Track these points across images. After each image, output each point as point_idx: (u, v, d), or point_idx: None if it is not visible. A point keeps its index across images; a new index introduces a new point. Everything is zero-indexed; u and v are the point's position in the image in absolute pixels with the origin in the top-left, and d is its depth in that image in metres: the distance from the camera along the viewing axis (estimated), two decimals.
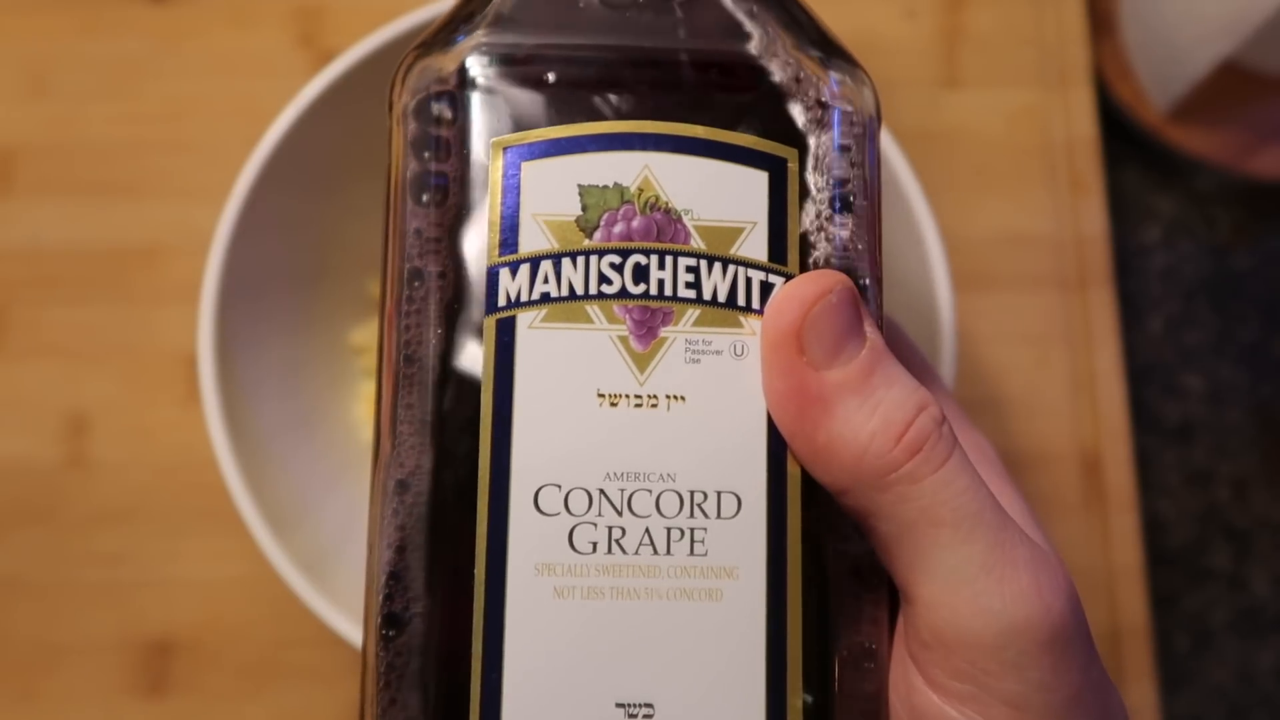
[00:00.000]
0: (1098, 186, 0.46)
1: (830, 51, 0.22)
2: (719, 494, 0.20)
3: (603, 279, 0.20)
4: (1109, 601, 0.42)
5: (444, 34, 0.21)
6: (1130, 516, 0.43)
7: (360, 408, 0.40)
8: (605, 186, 0.20)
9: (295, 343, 0.38)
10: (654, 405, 0.20)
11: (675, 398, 0.20)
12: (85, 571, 0.41)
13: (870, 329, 0.20)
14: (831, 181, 0.21)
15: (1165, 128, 0.47)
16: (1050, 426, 0.44)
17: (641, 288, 0.20)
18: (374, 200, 0.30)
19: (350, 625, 0.32)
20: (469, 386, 0.20)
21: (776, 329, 0.20)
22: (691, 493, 0.20)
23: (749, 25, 0.21)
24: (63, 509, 0.42)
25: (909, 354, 0.25)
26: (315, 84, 0.34)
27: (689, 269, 0.20)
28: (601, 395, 0.20)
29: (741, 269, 0.20)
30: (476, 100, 0.20)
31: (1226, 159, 0.47)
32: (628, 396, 0.20)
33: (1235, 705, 0.44)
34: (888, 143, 0.34)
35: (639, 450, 0.20)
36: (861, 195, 0.21)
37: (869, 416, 0.19)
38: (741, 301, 0.20)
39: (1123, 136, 0.48)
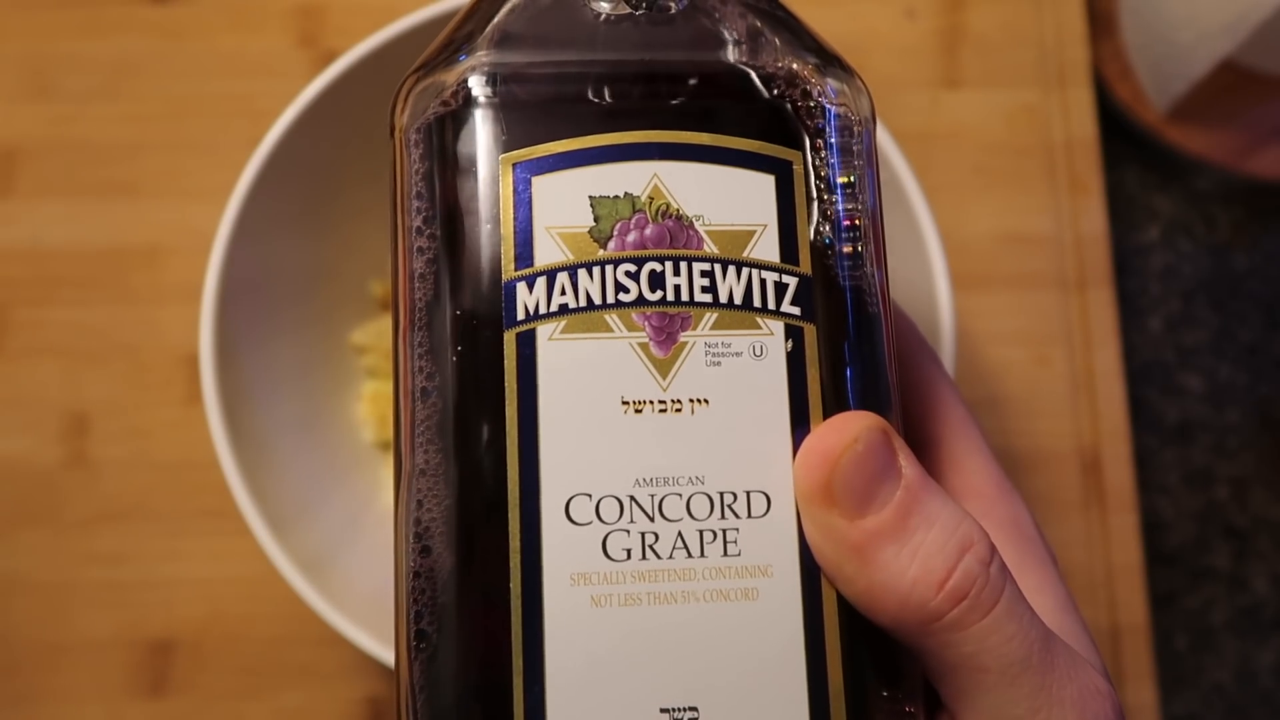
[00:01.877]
0: (1097, 186, 0.46)
1: (826, 59, 0.22)
2: (748, 494, 0.20)
3: (619, 288, 0.20)
4: (1109, 601, 0.42)
5: (445, 54, 0.21)
6: (1130, 516, 0.43)
7: (361, 407, 0.40)
8: (616, 197, 0.20)
9: (296, 342, 0.38)
10: (678, 410, 0.20)
11: (699, 401, 0.20)
12: (85, 571, 0.41)
13: (906, 462, 0.20)
14: (835, 181, 0.21)
15: (1165, 128, 0.47)
16: (1050, 426, 0.44)
17: (658, 294, 0.20)
18: (375, 200, 0.30)
19: (350, 625, 0.32)
20: (492, 402, 0.20)
21: (804, 485, 0.19)
22: (721, 494, 0.20)
23: (747, 36, 0.22)
24: (63, 509, 0.42)
25: (915, 342, 0.24)
26: (315, 84, 0.34)
27: (704, 273, 0.20)
28: (626, 403, 0.20)
29: (755, 271, 0.20)
30: (481, 118, 0.21)
31: (1226, 159, 0.47)
32: (652, 402, 0.20)
33: (1235, 704, 0.44)
34: (887, 143, 0.34)
35: (666, 455, 0.20)
36: (864, 193, 0.21)
37: (909, 563, 0.19)
38: (758, 303, 0.20)
39: (1122, 136, 0.48)
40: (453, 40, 0.22)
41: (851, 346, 0.21)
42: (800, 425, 0.20)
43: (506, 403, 0.20)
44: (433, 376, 0.20)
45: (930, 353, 0.25)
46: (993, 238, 0.45)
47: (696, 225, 0.20)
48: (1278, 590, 0.45)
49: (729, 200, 0.21)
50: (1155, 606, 0.44)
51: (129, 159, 0.45)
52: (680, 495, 0.20)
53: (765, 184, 0.21)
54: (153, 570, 0.41)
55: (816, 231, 0.21)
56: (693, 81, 0.21)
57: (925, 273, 0.34)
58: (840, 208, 0.21)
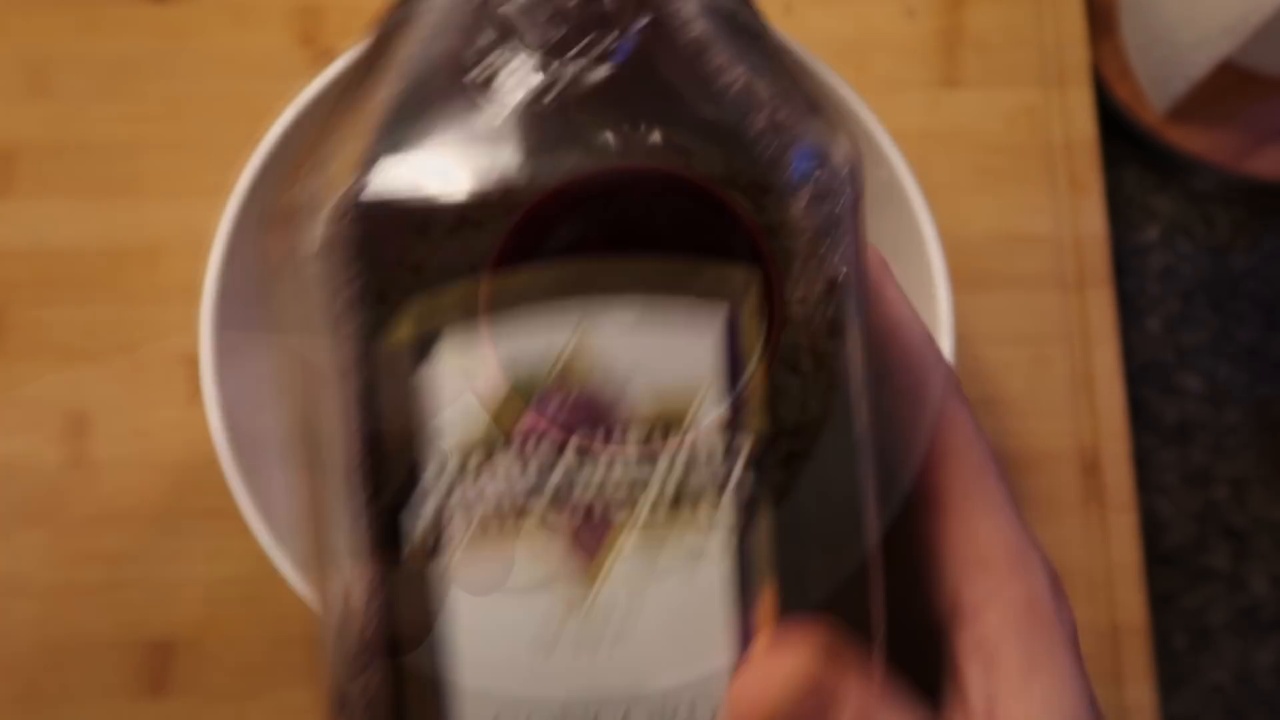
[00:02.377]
0: (1097, 186, 0.46)
1: (796, 131, 0.18)
2: (693, 701, 0.18)
3: (532, 490, 0.17)
4: (1108, 601, 0.42)
5: (314, 165, 0.18)
6: (1129, 516, 0.43)
7: None
8: (532, 363, 0.17)
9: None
10: (608, 622, 0.17)
11: (628, 612, 0.17)
12: (85, 571, 0.41)
13: (854, 685, 0.17)
14: (803, 291, 0.18)
15: (1164, 128, 0.47)
16: (1049, 426, 0.44)
17: (579, 492, 0.17)
18: None
19: None
20: (410, 631, 0.17)
21: None
22: (663, 703, 0.18)
23: (695, 113, 0.18)
24: (63, 509, 0.42)
25: (927, 364, 0.21)
26: (315, 84, 0.34)
27: (632, 464, 0.17)
28: (548, 621, 0.17)
29: (694, 447, 0.17)
30: (355, 255, 0.17)
31: (1225, 159, 0.47)
32: (575, 618, 0.17)
33: (1233, 705, 0.44)
34: (887, 143, 0.34)
35: (598, 673, 0.17)
36: (836, 304, 0.18)
37: None
38: (696, 486, 0.17)
39: (1122, 136, 0.48)
40: (325, 146, 0.18)
41: (809, 510, 0.18)
42: (746, 625, 0.18)
43: (421, 647, 0.17)
44: (346, 622, 0.18)
45: (947, 378, 0.21)
46: (992, 238, 0.45)
47: (626, 394, 0.17)
48: (1277, 590, 0.45)
49: (667, 353, 0.17)
50: (1154, 606, 0.44)
51: (129, 159, 0.44)
52: (618, 714, 0.17)
53: (712, 325, 0.17)
54: (153, 570, 0.41)
55: (773, 367, 0.17)
56: (623, 198, 0.17)
57: (925, 273, 0.34)
58: (808, 325, 0.18)
